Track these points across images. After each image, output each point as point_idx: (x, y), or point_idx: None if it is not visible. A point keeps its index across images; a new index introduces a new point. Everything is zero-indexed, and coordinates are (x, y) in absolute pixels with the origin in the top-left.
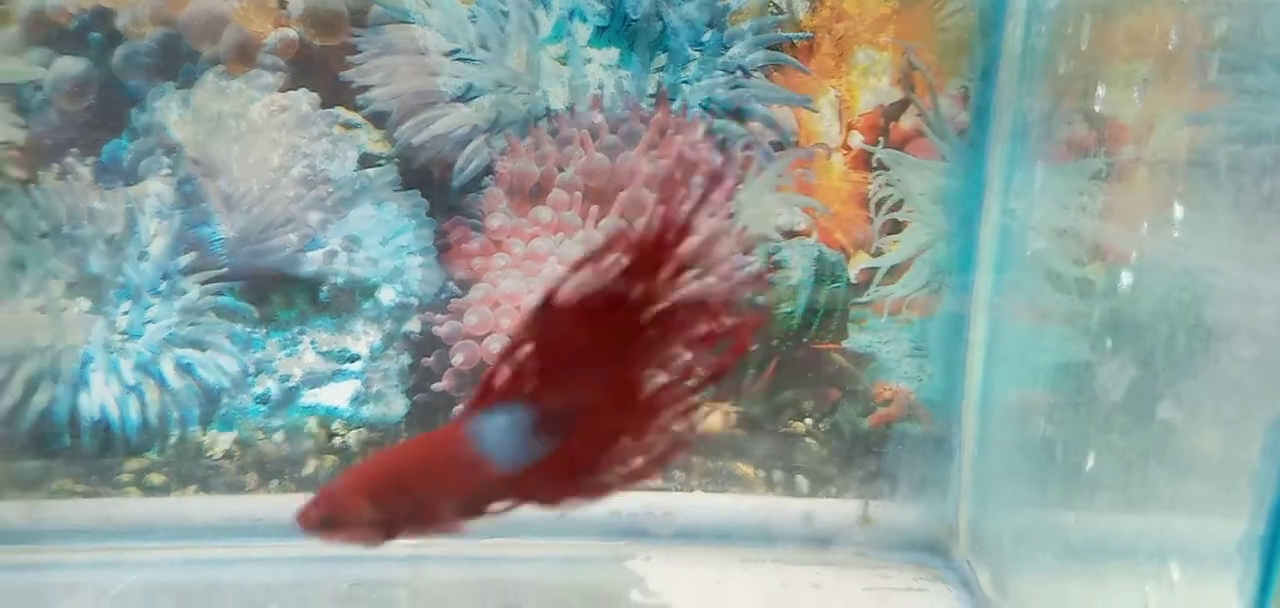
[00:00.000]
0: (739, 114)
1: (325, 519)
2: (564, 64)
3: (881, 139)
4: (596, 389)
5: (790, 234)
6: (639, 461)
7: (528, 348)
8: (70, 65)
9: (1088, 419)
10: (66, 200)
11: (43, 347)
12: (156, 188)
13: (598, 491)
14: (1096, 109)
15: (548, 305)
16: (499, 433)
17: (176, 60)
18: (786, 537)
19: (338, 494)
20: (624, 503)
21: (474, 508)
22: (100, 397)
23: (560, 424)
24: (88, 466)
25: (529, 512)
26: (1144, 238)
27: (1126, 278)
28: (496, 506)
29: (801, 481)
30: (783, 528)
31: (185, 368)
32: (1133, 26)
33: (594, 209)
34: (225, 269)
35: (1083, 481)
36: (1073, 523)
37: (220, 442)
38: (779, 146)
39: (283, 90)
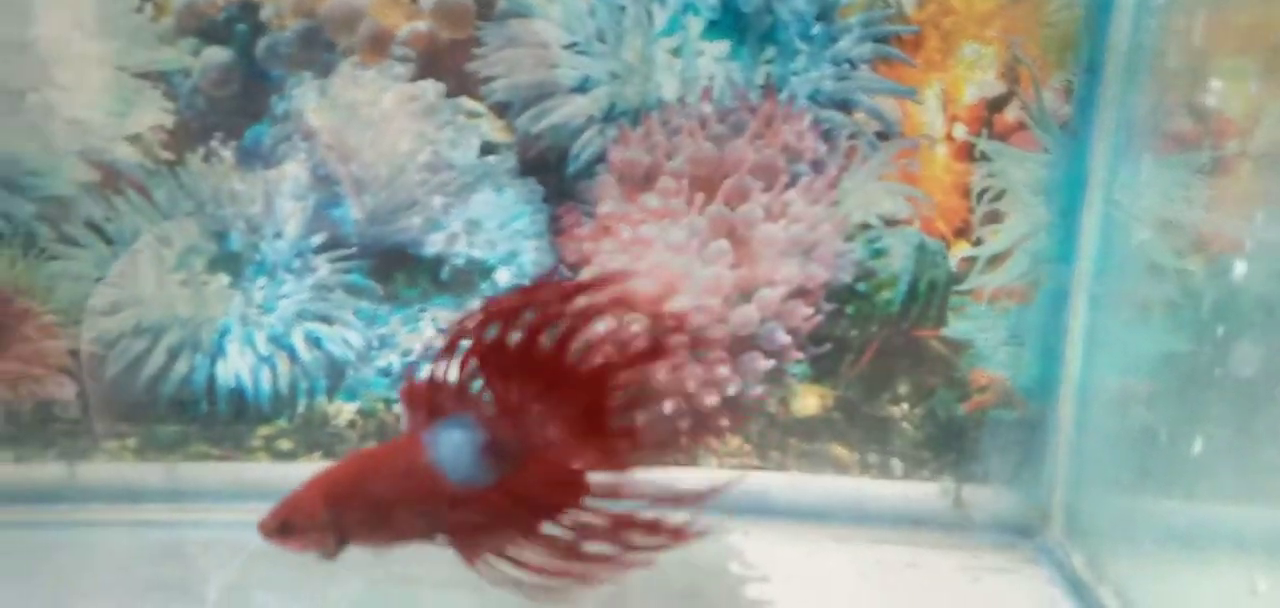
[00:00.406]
0: (845, 105)
1: (283, 525)
2: (677, 56)
3: (985, 131)
4: (545, 430)
5: (892, 223)
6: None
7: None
8: (217, 54)
9: (1194, 406)
10: (210, 182)
11: (185, 318)
12: (293, 171)
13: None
14: (1203, 103)
15: (490, 320)
16: (452, 447)
17: (315, 51)
18: (879, 518)
19: (296, 499)
20: (722, 479)
21: (429, 523)
22: (236, 366)
23: (510, 455)
24: (222, 431)
25: None
26: (1258, 227)
27: (1240, 267)
28: (443, 536)
29: (896, 463)
30: (876, 509)
31: (314, 341)
32: (1243, 22)
33: (700, 197)
34: (354, 249)
35: (1188, 467)
36: (1176, 508)
37: (344, 411)
38: (883, 137)
39: (412, 80)
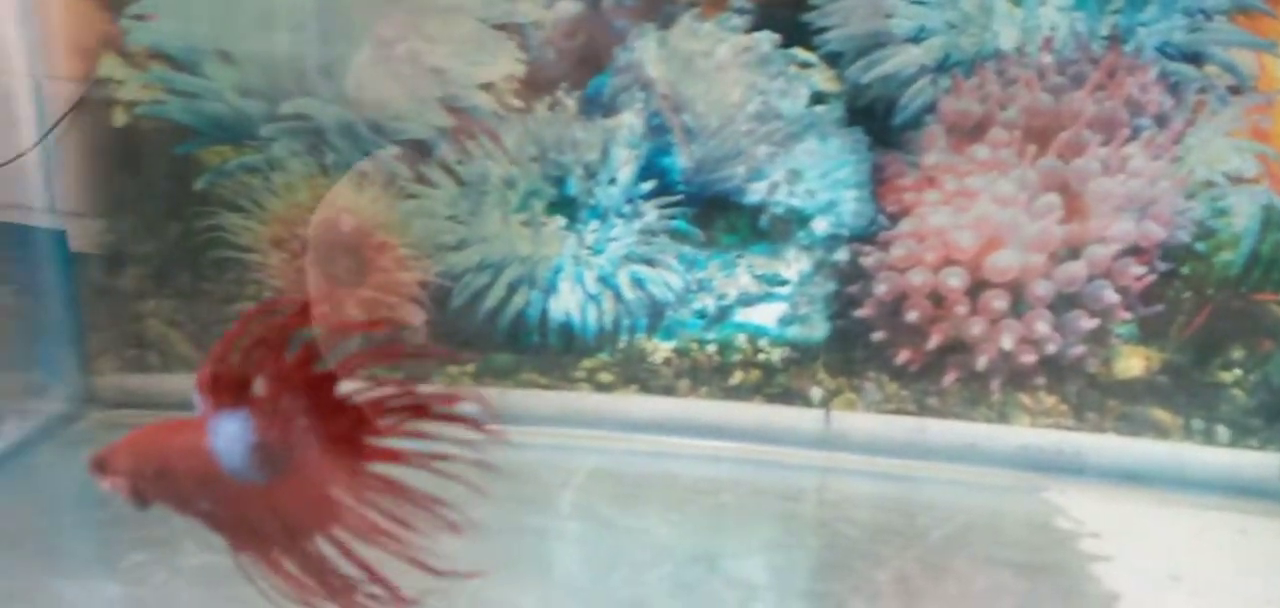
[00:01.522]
0: (1196, 58)
1: (99, 462)
2: (1018, 6)
3: None
4: (308, 449)
5: (1238, 181)
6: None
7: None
8: (568, 7)
9: None
10: (554, 129)
11: (524, 256)
12: (629, 121)
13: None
14: None
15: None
16: (227, 439)
17: (658, 4)
18: (1204, 484)
19: (115, 445)
20: (1033, 438)
21: (208, 506)
22: (566, 303)
23: (278, 463)
24: (551, 361)
25: None
26: None
27: None
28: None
29: (1222, 430)
30: (1200, 475)
31: (638, 282)
32: None
33: (1032, 149)
34: (680, 196)
35: None
36: None
37: (661, 350)
38: (1235, 92)
39: (747, 32)
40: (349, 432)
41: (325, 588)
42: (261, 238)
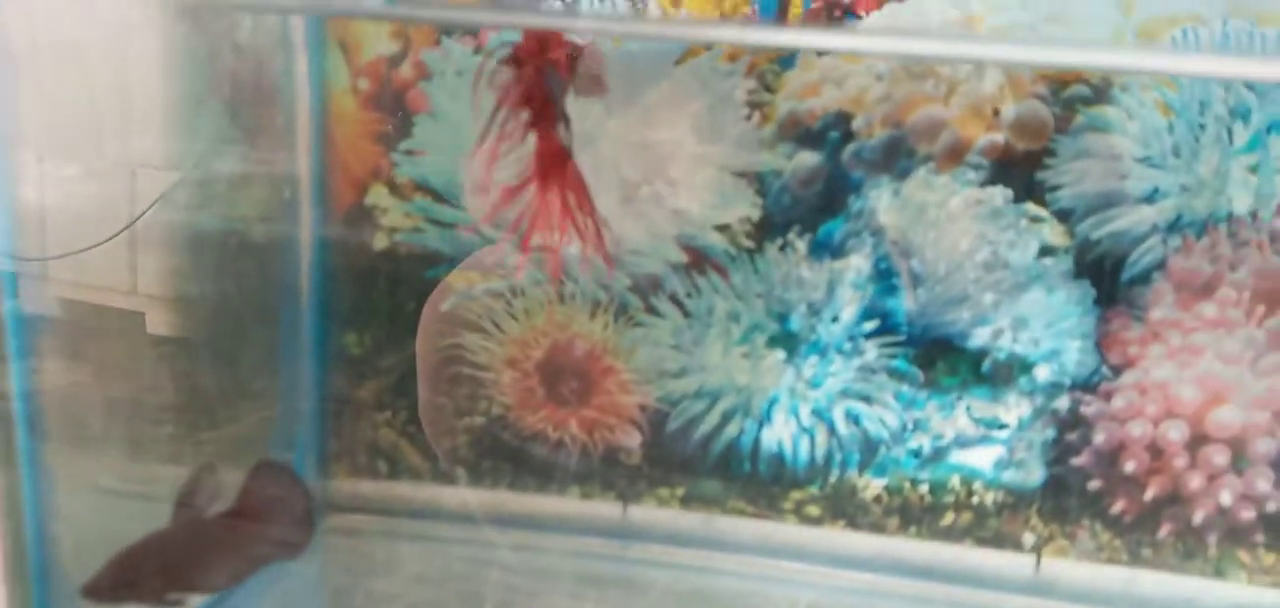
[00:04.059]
0: None
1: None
2: (1254, 173)
3: None
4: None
5: None
6: None
7: None
8: (808, 158)
9: None
10: (782, 269)
11: (740, 386)
12: (857, 263)
13: None
14: None
15: None
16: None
17: (895, 157)
18: None
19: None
20: (1251, 596)
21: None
22: (779, 434)
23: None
24: (759, 491)
25: None
26: None
27: None
28: None
29: None
30: None
31: (853, 418)
32: None
33: (1260, 309)
34: (902, 337)
35: None
36: None
37: (872, 486)
38: None
39: (981, 186)
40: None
41: None
42: (497, 358)
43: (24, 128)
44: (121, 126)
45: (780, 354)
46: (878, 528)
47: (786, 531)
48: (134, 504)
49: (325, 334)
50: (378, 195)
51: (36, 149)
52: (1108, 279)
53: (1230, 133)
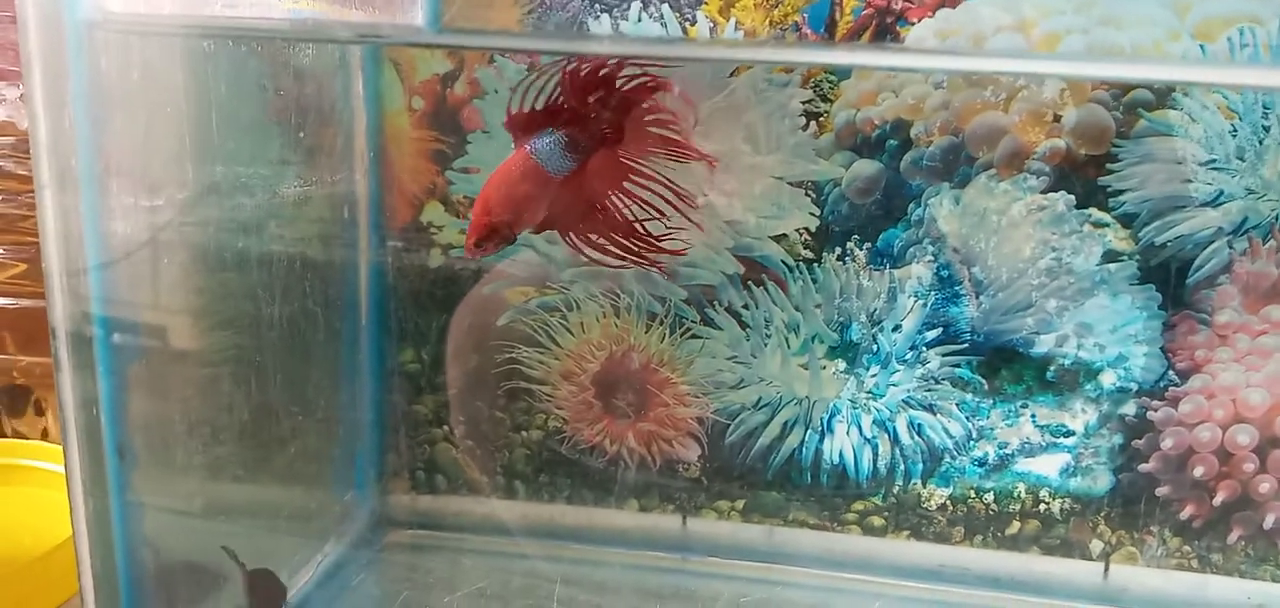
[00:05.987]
0: None
1: (478, 241)
2: None
3: None
4: (603, 133)
5: None
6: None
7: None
8: (866, 167)
9: None
10: (841, 278)
11: (800, 397)
12: (918, 271)
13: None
14: None
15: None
16: (545, 148)
17: (955, 164)
18: None
19: (475, 223)
20: None
21: (546, 207)
22: (841, 444)
23: (584, 151)
24: (821, 502)
25: None
26: None
27: None
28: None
29: None
30: None
31: (916, 427)
32: None
33: None
34: (965, 345)
35: None
36: None
37: (936, 496)
38: None
39: (1043, 192)
40: (627, 113)
41: (633, 241)
42: (553, 372)
43: (117, 163)
44: (198, 155)
45: (841, 364)
46: (943, 538)
47: (849, 542)
48: (208, 524)
49: (383, 351)
50: (433, 212)
51: (127, 183)
52: (1173, 283)
53: None
